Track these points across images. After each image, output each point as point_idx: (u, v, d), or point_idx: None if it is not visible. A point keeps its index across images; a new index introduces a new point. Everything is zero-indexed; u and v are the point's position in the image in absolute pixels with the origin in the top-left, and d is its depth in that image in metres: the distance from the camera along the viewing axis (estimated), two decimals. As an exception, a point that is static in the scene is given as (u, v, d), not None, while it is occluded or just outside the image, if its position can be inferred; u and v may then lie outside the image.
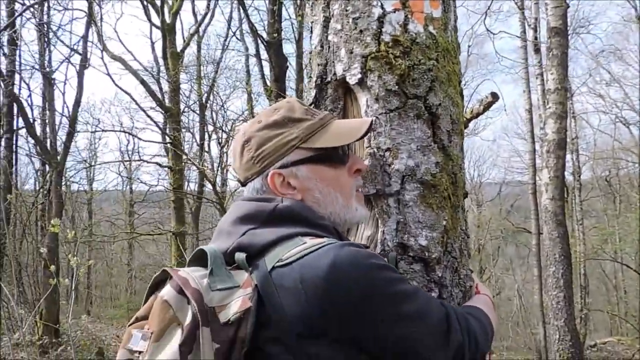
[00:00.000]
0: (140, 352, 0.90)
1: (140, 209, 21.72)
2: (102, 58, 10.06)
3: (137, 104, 12.31)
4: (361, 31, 1.24)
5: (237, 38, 14.41)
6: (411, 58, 1.21)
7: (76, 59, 11.32)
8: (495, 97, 1.96)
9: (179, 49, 14.40)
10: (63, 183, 12.25)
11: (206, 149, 17.77)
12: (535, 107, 12.04)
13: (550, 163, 5.14)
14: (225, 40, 15.91)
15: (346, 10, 1.26)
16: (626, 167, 21.26)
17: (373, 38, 1.22)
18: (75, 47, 11.36)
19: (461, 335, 0.98)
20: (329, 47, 1.29)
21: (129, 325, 0.99)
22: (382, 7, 1.23)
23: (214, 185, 8.20)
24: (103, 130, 17.57)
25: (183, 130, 14.60)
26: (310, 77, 1.35)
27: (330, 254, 0.91)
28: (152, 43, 16.35)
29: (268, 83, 9.15)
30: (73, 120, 10.19)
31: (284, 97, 8.84)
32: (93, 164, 19.48)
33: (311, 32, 1.38)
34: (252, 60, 13.83)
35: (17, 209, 9.88)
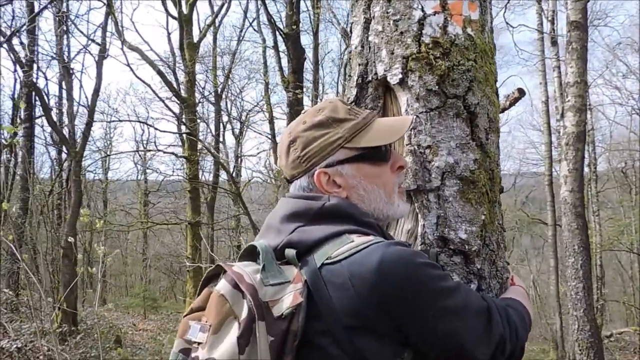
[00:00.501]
0: (199, 343, 0.95)
1: (154, 198, 21.90)
2: (122, 48, 10.08)
3: (155, 94, 12.41)
4: (402, 33, 1.29)
5: (254, 29, 14.43)
6: (450, 59, 1.26)
7: (93, 48, 11.44)
8: (521, 92, 2.00)
9: (195, 39, 14.46)
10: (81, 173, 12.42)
11: (221, 139, 17.86)
12: (551, 99, 11.96)
13: (570, 156, 5.15)
14: (241, 31, 15.94)
15: (387, 12, 1.31)
16: (642, 158, 21.05)
17: (414, 39, 1.27)
18: (92, 37, 11.48)
19: (502, 327, 1.03)
20: (370, 47, 1.34)
21: (184, 316, 1.04)
22: (422, 9, 1.28)
23: (231, 175, 8.27)
24: (120, 120, 17.72)
25: (198, 120, 14.68)
26: (350, 76, 1.40)
27: (378, 252, 0.95)
28: (169, 34, 16.48)
29: (285, 75, 9.18)
30: (92, 109, 10.31)
31: (301, 89, 8.90)
32: (109, 153, 19.64)
33: (350, 32, 1.43)
34: (269, 52, 13.85)
35: (36, 198, 10.05)
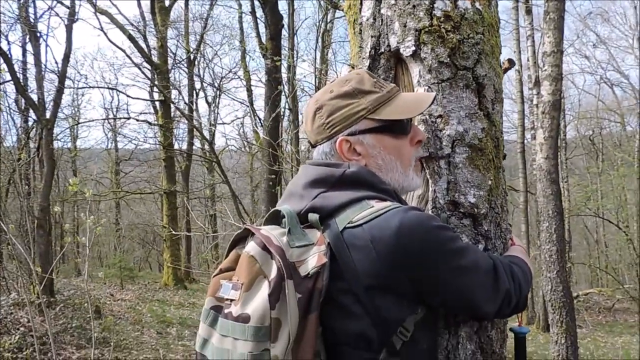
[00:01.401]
0: (232, 300, 1.02)
1: (126, 167, 21.58)
2: (95, 12, 9.73)
3: (130, 59, 12.16)
4: (414, 6, 1.34)
5: (230, -6, 14.10)
6: (461, 32, 1.32)
7: (61, 10, 11.04)
8: (511, 63, 2.06)
9: (167, 3, 14.10)
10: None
11: (194, 107, 17.62)
12: (524, 67, 12.13)
13: (545, 124, 5.30)
14: (213, -5, 15.57)
15: (400, -14, 1.36)
16: (609, 126, 21.69)
17: (426, 13, 1.33)
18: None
19: (507, 283, 1.13)
20: (382, 20, 1.39)
21: (214, 276, 1.12)
22: (434, -17, 1.33)
23: (210, 142, 8.21)
24: (90, 87, 17.26)
25: (170, 87, 14.43)
26: (361, 47, 1.45)
27: (397, 216, 1.03)
28: (138, -2, 16.02)
29: (263, 41, 9.06)
30: (63, 75, 10.01)
31: (279, 55, 8.81)
32: (79, 121, 19.18)
33: (361, 4, 1.47)
34: (245, 18, 13.61)
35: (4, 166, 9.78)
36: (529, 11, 9.55)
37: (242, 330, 0.98)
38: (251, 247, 1.05)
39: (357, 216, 1.05)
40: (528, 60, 10.46)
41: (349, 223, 1.05)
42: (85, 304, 10.47)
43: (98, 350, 6.78)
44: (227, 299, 1.03)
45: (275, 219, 1.16)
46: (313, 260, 1.02)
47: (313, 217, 1.09)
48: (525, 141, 12.54)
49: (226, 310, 1.02)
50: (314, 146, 1.25)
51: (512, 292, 1.14)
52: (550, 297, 5.22)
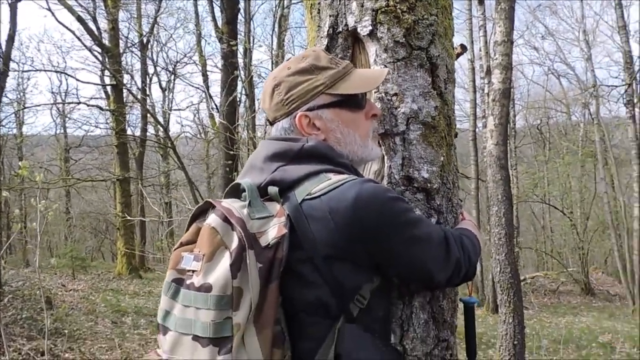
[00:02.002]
0: (193, 271, 1.04)
1: (76, 154, 20.89)
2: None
3: (81, 42, 11.71)
4: (371, -14, 1.37)
5: (184, -24, 13.77)
6: (416, 13, 1.37)
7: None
8: (463, 48, 2.13)
9: (118, -15, 13.66)
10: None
11: (147, 92, 17.19)
12: (476, 57, 12.42)
13: (496, 111, 5.48)
14: (167, -23, 15.16)
15: (357, -34, 1.39)
16: (555, 116, 22.54)
17: (382, -7, 1.36)
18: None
19: (458, 252, 1.20)
20: (340, 0, 1.42)
21: (174, 250, 1.13)
22: (390, -36, 1.36)
23: (165, 128, 8.06)
24: (37, 70, 16.57)
25: (123, 72, 14.04)
26: (320, 26, 1.48)
27: (354, 188, 1.07)
28: (88, -23, 15.40)
29: (219, 25, 8.92)
30: (7, 57, 9.56)
31: (236, 40, 8.71)
32: (25, 106, 18.40)
33: (320, -16, 1.49)
34: (200, 1, 13.33)
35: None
36: (481, 1, 9.77)
37: (204, 299, 1.00)
38: (212, 219, 1.07)
39: (315, 188, 1.09)
40: (480, 50, 10.73)
41: (307, 195, 1.09)
42: (35, 295, 10.17)
43: (50, 341, 6.61)
44: (188, 271, 1.05)
45: (236, 192, 1.18)
46: (273, 231, 1.05)
47: (272, 189, 1.12)
48: (477, 129, 12.89)
49: (188, 282, 1.04)
50: (272, 123, 1.27)
51: (462, 261, 1.21)
52: (499, 278, 5.43)
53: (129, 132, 16.48)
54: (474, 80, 12.31)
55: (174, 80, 18.61)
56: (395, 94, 1.36)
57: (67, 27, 17.62)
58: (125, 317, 9.35)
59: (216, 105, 9.19)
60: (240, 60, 9.48)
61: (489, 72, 7.33)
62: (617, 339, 9.56)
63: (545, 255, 19.48)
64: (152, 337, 8.19)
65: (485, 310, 12.26)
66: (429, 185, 1.34)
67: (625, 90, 10.76)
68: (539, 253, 19.57)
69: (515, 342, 5.50)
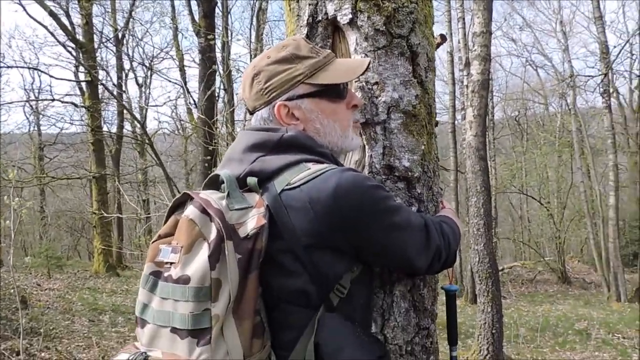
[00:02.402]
0: (171, 263, 1.03)
1: (49, 152, 20.51)
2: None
3: (55, 38, 11.50)
4: (351, -26, 1.36)
5: (158, -31, 13.58)
6: (396, 1, 1.36)
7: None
8: (443, 38, 2.12)
9: (91, -21, 13.39)
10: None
11: (123, 88, 16.95)
12: (455, 50, 12.50)
13: (475, 102, 5.53)
14: (141, -29, 14.93)
15: (335, -46, 1.37)
16: (533, 107, 22.86)
17: (362, -19, 1.35)
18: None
19: (438, 239, 1.20)
20: (319, -12, 1.41)
21: (152, 242, 1.11)
22: (369, -48, 1.35)
23: (142, 124, 7.94)
24: (9, 67, 16.18)
25: (97, 68, 13.80)
26: (299, 15, 1.46)
27: (334, 177, 1.07)
28: (59, -29, 15.07)
29: (196, 19, 8.82)
30: (-22, 55, 9.36)
31: (213, 35, 8.62)
32: (-2, 103, 17.95)
33: (298, -28, 1.47)
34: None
35: None
36: (459, -6, 9.84)
37: (182, 291, 0.99)
38: (190, 210, 1.05)
39: (294, 178, 1.08)
40: (459, 42, 10.80)
41: (286, 185, 1.08)
42: (10, 295, 9.98)
43: (26, 340, 6.50)
44: (166, 263, 1.04)
45: (214, 184, 1.17)
46: (252, 222, 1.04)
47: (252, 180, 1.11)
48: (456, 122, 13.00)
49: (166, 274, 1.03)
50: (252, 113, 1.26)
51: (442, 248, 1.21)
52: (477, 268, 5.50)
53: (105, 129, 16.24)
54: (452, 73, 12.40)
55: (151, 75, 18.40)
56: (376, 83, 1.35)
57: (39, 22, 17.29)
58: (102, 316, 9.24)
59: (194, 100, 9.10)
60: (218, 55, 9.41)
61: (467, 64, 7.38)
62: (592, 325, 9.77)
63: (522, 245, 19.79)
64: (130, 335, 8.11)
65: (464, 301, 12.42)
66: (409, 174, 1.34)
67: (602, 80, 10.94)
68: (517, 243, 19.87)
69: (494, 331, 5.58)
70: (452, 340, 1.45)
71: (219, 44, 9.44)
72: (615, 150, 11.74)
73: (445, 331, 1.47)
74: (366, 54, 1.35)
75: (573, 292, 15.42)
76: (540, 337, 8.66)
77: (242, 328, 1.02)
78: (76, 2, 13.54)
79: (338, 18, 1.38)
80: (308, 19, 1.42)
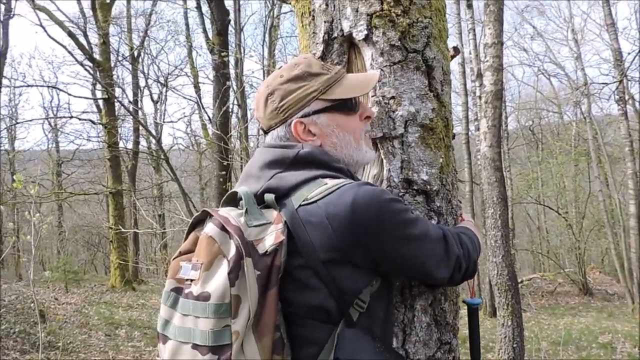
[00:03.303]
0: (192, 280, 1.04)
1: (68, 168, 20.82)
2: (34, 8, 9.26)
3: (74, 57, 11.66)
4: (365, -9, 1.38)
5: (175, -11, 13.82)
6: (410, 16, 1.37)
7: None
8: (457, 51, 2.13)
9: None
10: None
11: (139, 105, 17.18)
12: (466, 61, 12.48)
13: (489, 113, 5.50)
14: (156, -10, 15.20)
15: (350, -29, 1.39)
16: (547, 116, 22.67)
17: (376, -2, 1.37)
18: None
19: (457, 248, 1.20)
20: (334, 5, 1.42)
21: (173, 259, 1.13)
22: (383, -31, 1.37)
23: (158, 140, 8.04)
24: (29, 86, 16.52)
25: (114, 85, 14.02)
26: (315, 32, 1.48)
27: (351, 191, 1.07)
28: (78, -7, 15.41)
29: (210, 37, 8.93)
30: (-1, 74, 9.58)
31: (227, 51, 8.72)
32: (17, 121, 18.34)
33: (313, -10, 1.49)
34: (190, 13, 13.36)
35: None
36: (470, 5, 9.85)
37: (203, 308, 1.00)
38: (210, 228, 1.06)
39: (311, 194, 1.09)
40: (470, 53, 10.78)
41: (304, 201, 1.09)
42: (28, 309, 10.08)
43: (44, 354, 6.56)
44: (187, 280, 1.05)
45: (233, 201, 1.19)
46: (270, 238, 1.05)
47: (269, 197, 1.12)
48: (470, 133, 12.94)
49: (186, 291, 1.04)
50: (266, 132, 1.27)
51: (461, 257, 1.21)
52: (496, 281, 5.43)
53: (121, 145, 16.46)
54: (465, 84, 12.36)
55: (166, 92, 18.62)
56: (393, 97, 1.36)
57: (58, 42, 17.61)
58: (119, 330, 9.29)
59: (209, 116, 9.18)
60: (232, 71, 9.50)
61: (479, 75, 7.37)
62: (617, 338, 9.56)
63: (541, 257, 19.51)
64: (146, 349, 8.14)
65: (483, 314, 12.25)
66: (428, 187, 1.34)
67: (616, 88, 10.82)
68: (535, 254, 19.60)
69: (515, 345, 5.49)
70: (476, 355, 1.43)
71: (232, 60, 9.56)
72: (633, 157, 11.55)
73: (465, 346, 1.46)
74: (382, 69, 1.36)
75: (595, 304, 15.13)
76: (563, 351, 8.50)
77: (262, 344, 1.02)
78: (94, 22, 13.81)
79: (354, 34, 1.39)
80: (324, 36, 1.43)
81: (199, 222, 1.15)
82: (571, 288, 16.81)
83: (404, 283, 1.31)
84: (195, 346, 1.00)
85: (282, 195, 1.12)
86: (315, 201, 1.08)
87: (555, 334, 9.89)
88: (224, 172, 7.99)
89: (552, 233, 19.89)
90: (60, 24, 12.54)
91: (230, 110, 9.63)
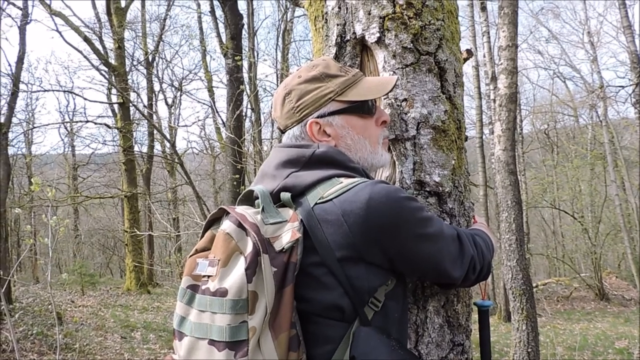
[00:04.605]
0: (209, 276, 1.05)
1: (83, 172, 21.06)
2: (50, 14, 9.40)
3: (89, 62, 11.88)
4: (377, -6, 1.39)
5: (187, -7, 13.97)
6: (422, 19, 1.38)
7: (12, 11, 10.69)
8: (470, 54, 2.13)
9: (122, 4, 13.83)
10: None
11: (153, 109, 17.32)
12: (480, 63, 12.43)
13: (503, 116, 5.47)
14: (171, -5, 15.36)
15: (362, -25, 1.40)
16: (563, 120, 22.45)
17: (389, 1, 1.38)
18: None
19: (471, 249, 1.20)
20: (347, 8, 1.44)
21: (189, 257, 1.14)
22: (395, -28, 1.38)
23: (172, 144, 8.10)
24: (45, 90, 16.75)
25: (129, 90, 14.17)
26: (327, 35, 1.49)
27: (366, 190, 1.08)
28: (93, -1, 15.61)
29: (223, 41, 8.99)
30: (17, 78, 9.72)
31: (240, 56, 8.77)
32: (34, 125, 18.60)
33: (326, -7, 1.51)
34: (204, 18, 13.48)
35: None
36: (483, 8, 9.81)
37: (220, 304, 1.01)
38: (227, 225, 1.08)
39: (327, 192, 1.10)
40: (484, 56, 10.73)
41: (319, 199, 1.10)
42: (46, 311, 10.20)
43: (61, 356, 6.63)
44: (203, 276, 1.06)
45: (249, 199, 1.20)
46: (287, 235, 1.06)
47: (285, 195, 1.13)
48: (484, 136, 12.86)
49: (203, 287, 1.05)
50: (283, 131, 1.29)
51: (475, 258, 1.21)
52: (510, 285, 5.39)
53: (136, 149, 16.61)
54: (478, 87, 12.30)
55: (180, 96, 18.77)
56: (405, 99, 1.37)
57: (74, 47, 17.93)
58: (134, 332, 9.37)
59: (223, 120, 9.24)
60: (245, 75, 9.55)
61: (494, 78, 7.34)
62: (634, 344, 9.42)
63: (556, 261, 19.28)
64: (161, 352, 8.19)
65: (497, 319, 12.15)
66: (440, 189, 1.35)
67: (633, 90, 10.68)
68: (550, 259, 19.37)
69: (530, 350, 5.44)
70: (487, 357, 1.43)
71: (245, 64, 9.61)
72: (650, 162, 11.39)
73: (478, 348, 1.46)
74: (394, 72, 1.37)
75: (612, 309, 14.91)
76: (579, 357, 8.40)
77: (279, 341, 1.02)
78: (109, 27, 13.98)
79: (366, 37, 1.40)
80: (337, 39, 1.45)
81: (215, 220, 1.16)
82: (587, 293, 16.59)
83: (417, 284, 1.31)
84: (212, 342, 1.01)
85: (298, 193, 1.13)
86: (331, 199, 1.08)
87: (570, 339, 9.78)
88: (237, 176, 8.02)
89: (567, 237, 19.65)
90: (76, 29, 12.71)
91: (243, 113, 9.68)
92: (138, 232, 10.43)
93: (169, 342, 8.77)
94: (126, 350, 8.06)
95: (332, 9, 1.48)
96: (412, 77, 1.37)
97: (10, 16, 10.73)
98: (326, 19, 1.50)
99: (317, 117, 1.22)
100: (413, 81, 1.37)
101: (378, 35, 1.38)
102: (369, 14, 1.39)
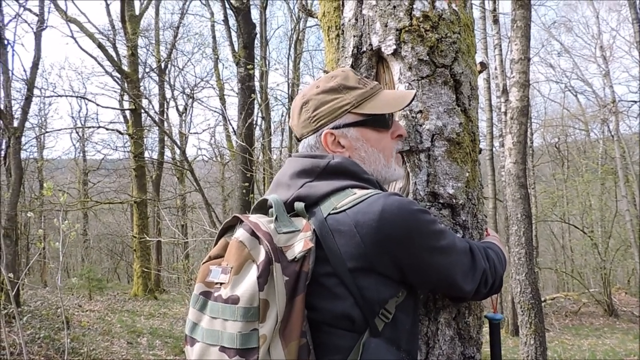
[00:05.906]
0: (221, 284, 1.06)
1: (93, 177, 21.21)
2: (66, 20, 9.53)
3: (103, 68, 12.01)
4: (394, 7, 1.41)
5: (202, 3, 14.13)
6: (439, 32, 1.39)
7: (28, 17, 10.84)
8: (484, 66, 2.13)
9: (137, 12, 13.99)
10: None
11: (164, 116, 17.45)
12: (492, 76, 12.41)
13: (514, 129, 5.46)
14: (184, 3, 15.52)
15: (380, -12, 1.42)
16: (574, 134, 22.33)
17: (406, 13, 1.39)
18: (25, 5, 10.86)
19: (483, 262, 1.21)
20: (364, 20, 1.45)
21: (202, 264, 1.15)
22: (412, -14, 1.40)
23: (183, 150, 8.16)
24: (59, 96, 16.93)
25: (141, 96, 14.30)
26: (344, 47, 1.51)
27: (379, 201, 1.09)
28: (107, 5, 15.81)
29: (236, 49, 9.07)
30: (31, 83, 9.85)
31: (252, 64, 8.84)
32: (46, 130, 18.78)
33: (343, 6, 1.53)
34: (217, 26, 13.60)
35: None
36: (496, 21, 9.83)
37: (231, 311, 1.02)
38: (240, 233, 1.09)
39: (340, 203, 1.11)
40: (496, 69, 10.73)
41: (333, 210, 1.10)
42: (53, 315, 10.24)
43: (68, 360, 6.64)
44: (216, 283, 1.07)
45: (263, 208, 1.21)
46: (299, 245, 1.07)
47: (299, 205, 1.14)
48: (494, 149, 12.82)
49: (216, 294, 1.06)
50: (299, 140, 1.30)
51: (487, 271, 1.21)
52: (519, 299, 5.35)
53: (146, 155, 16.72)
54: (490, 99, 12.29)
55: (192, 104, 18.90)
56: (420, 111, 1.38)
57: (88, 54, 18.10)
58: (140, 338, 9.38)
59: (234, 128, 9.30)
60: (257, 84, 9.60)
61: (505, 91, 7.34)
62: (643, 361, 9.31)
63: (565, 276, 19.10)
64: (167, 358, 8.18)
65: (505, 332, 12.03)
66: (454, 201, 1.35)
67: (645, 107, 10.63)
68: (559, 273, 19.19)
69: (538, 364, 5.39)
70: (498, 370, 1.42)
71: (257, 73, 9.69)
72: (662, 177, 11.30)
73: (489, 361, 1.45)
74: (410, 84, 1.38)
75: (621, 325, 14.72)
76: (586, 372, 8.29)
77: (289, 349, 1.03)
78: (123, 34, 14.14)
79: (382, 49, 1.41)
80: (353, 50, 1.46)
81: (229, 228, 1.17)
82: (596, 309, 16.41)
83: (428, 296, 1.31)
84: (223, 348, 1.02)
85: (311, 203, 1.14)
86: (344, 210, 1.09)
87: (579, 355, 9.67)
88: (246, 184, 8.05)
89: (576, 252, 19.47)
90: (90, 35, 12.87)
91: (254, 122, 9.74)
92: (147, 238, 10.48)
93: (175, 349, 8.77)
94: (132, 355, 8.07)
95: (349, 20, 1.49)
96: (427, 90, 1.38)
97: (26, 22, 10.88)
98: (342, 30, 1.52)
99: (332, 128, 1.23)
100: (428, 93, 1.38)
101: (394, 47, 1.39)
102: (386, 26, 1.41)
